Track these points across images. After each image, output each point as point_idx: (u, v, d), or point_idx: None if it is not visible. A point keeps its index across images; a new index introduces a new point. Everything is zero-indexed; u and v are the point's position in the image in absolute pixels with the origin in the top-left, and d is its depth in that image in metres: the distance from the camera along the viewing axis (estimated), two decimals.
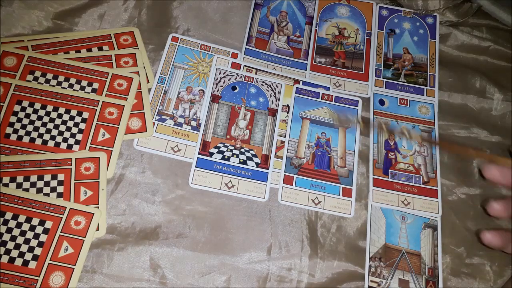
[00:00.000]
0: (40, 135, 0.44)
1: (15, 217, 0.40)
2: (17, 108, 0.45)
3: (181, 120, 0.48)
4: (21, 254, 0.39)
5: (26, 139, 0.44)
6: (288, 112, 0.50)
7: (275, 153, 0.48)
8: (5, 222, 0.40)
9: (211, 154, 0.47)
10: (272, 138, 0.49)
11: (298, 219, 0.46)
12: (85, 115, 0.46)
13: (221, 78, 0.51)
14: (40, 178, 0.42)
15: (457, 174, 0.50)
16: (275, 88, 0.51)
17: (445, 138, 0.50)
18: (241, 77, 0.51)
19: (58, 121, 0.45)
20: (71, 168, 0.43)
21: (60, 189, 0.42)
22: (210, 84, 0.50)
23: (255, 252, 0.44)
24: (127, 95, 0.48)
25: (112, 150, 0.45)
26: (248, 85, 0.51)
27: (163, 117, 0.48)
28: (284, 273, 0.43)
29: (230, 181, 0.46)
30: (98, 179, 0.43)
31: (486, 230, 0.38)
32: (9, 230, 0.40)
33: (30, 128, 0.44)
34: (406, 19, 0.58)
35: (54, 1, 0.52)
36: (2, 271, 0.38)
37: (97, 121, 0.46)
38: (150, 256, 0.42)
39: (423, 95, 0.54)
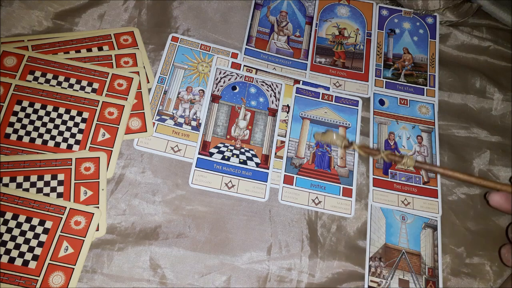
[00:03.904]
0: (40, 135, 0.44)
1: (15, 217, 0.40)
2: (17, 108, 0.45)
3: (181, 120, 0.48)
4: (21, 254, 0.39)
5: (26, 139, 0.44)
6: (288, 112, 0.50)
7: (275, 153, 0.48)
8: (5, 222, 0.40)
9: (211, 154, 0.47)
10: (272, 138, 0.49)
11: (298, 219, 0.46)
12: (85, 115, 0.46)
13: (221, 78, 0.51)
14: (40, 178, 0.42)
15: None
16: (275, 88, 0.51)
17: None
18: (241, 77, 0.51)
19: (58, 121, 0.45)
20: (71, 168, 0.43)
21: (60, 189, 0.42)
22: (210, 84, 0.50)
23: (255, 252, 0.44)
24: (127, 95, 0.48)
25: (112, 150, 0.45)
26: (248, 85, 0.51)
27: (163, 117, 0.48)
28: (284, 273, 0.43)
29: (230, 181, 0.46)
30: (98, 179, 0.43)
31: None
32: (9, 230, 0.40)
33: (30, 128, 0.44)
34: (406, 19, 0.58)
35: (54, 1, 0.52)
36: (2, 271, 0.38)
37: (97, 121, 0.46)
38: (150, 256, 0.42)
39: (423, 95, 0.54)
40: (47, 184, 0.42)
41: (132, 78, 0.48)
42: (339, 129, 0.50)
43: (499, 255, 0.44)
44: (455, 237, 0.47)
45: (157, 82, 0.49)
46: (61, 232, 0.40)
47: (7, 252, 0.39)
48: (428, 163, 0.42)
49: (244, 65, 0.52)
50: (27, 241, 0.40)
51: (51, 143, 0.44)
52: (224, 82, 0.51)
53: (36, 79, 0.47)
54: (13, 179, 0.42)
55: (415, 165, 0.39)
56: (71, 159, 0.43)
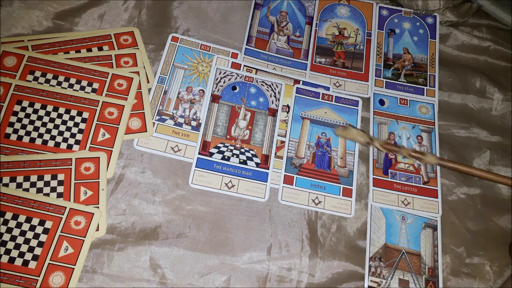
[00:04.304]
0: (40, 135, 0.44)
1: (15, 217, 0.40)
2: (17, 108, 0.45)
3: (181, 120, 0.48)
4: (21, 254, 0.39)
5: (26, 139, 0.44)
6: (288, 112, 0.50)
7: (275, 153, 0.48)
8: (5, 222, 0.40)
9: (211, 154, 0.47)
10: (272, 138, 0.49)
11: (298, 219, 0.46)
12: (85, 115, 0.46)
13: (221, 78, 0.51)
14: (40, 178, 0.42)
15: (457, 174, 0.50)
16: (275, 88, 0.51)
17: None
18: (241, 77, 0.51)
19: (58, 121, 0.45)
20: (71, 168, 0.43)
21: (60, 189, 0.42)
22: (210, 84, 0.50)
23: (255, 252, 0.44)
24: (127, 95, 0.48)
25: (112, 150, 0.45)
26: (248, 85, 0.51)
27: (163, 117, 0.48)
28: (284, 273, 0.43)
29: (230, 181, 0.46)
30: (98, 179, 0.43)
31: None
32: (9, 230, 0.40)
33: (30, 128, 0.44)
34: (406, 19, 0.58)
35: (54, 1, 0.52)
36: (2, 271, 0.38)
37: (97, 121, 0.46)
38: (150, 256, 0.42)
39: (423, 95, 0.54)
40: (47, 184, 0.42)
41: (132, 78, 0.48)
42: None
43: (509, 250, 0.43)
44: (455, 237, 0.47)
45: (157, 82, 0.49)
46: (61, 232, 0.40)
47: (7, 252, 0.39)
48: (451, 161, 0.42)
49: (244, 65, 0.52)
50: (27, 241, 0.40)
51: (51, 143, 0.44)
52: (224, 82, 0.51)
53: (36, 79, 0.47)
54: (13, 179, 0.42)
55: (439, 163, 0.38)
56: (71, 159, 0.43)
